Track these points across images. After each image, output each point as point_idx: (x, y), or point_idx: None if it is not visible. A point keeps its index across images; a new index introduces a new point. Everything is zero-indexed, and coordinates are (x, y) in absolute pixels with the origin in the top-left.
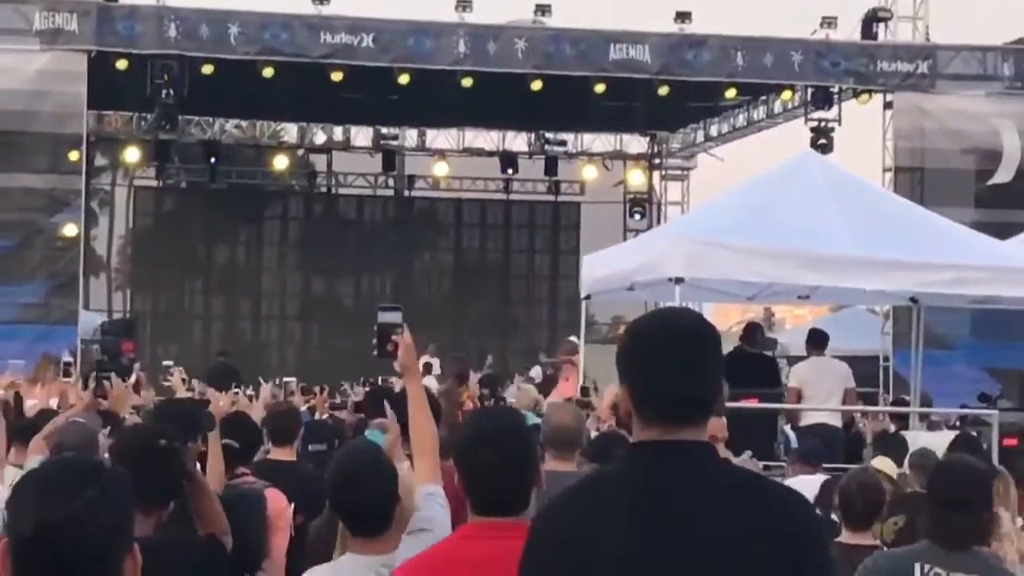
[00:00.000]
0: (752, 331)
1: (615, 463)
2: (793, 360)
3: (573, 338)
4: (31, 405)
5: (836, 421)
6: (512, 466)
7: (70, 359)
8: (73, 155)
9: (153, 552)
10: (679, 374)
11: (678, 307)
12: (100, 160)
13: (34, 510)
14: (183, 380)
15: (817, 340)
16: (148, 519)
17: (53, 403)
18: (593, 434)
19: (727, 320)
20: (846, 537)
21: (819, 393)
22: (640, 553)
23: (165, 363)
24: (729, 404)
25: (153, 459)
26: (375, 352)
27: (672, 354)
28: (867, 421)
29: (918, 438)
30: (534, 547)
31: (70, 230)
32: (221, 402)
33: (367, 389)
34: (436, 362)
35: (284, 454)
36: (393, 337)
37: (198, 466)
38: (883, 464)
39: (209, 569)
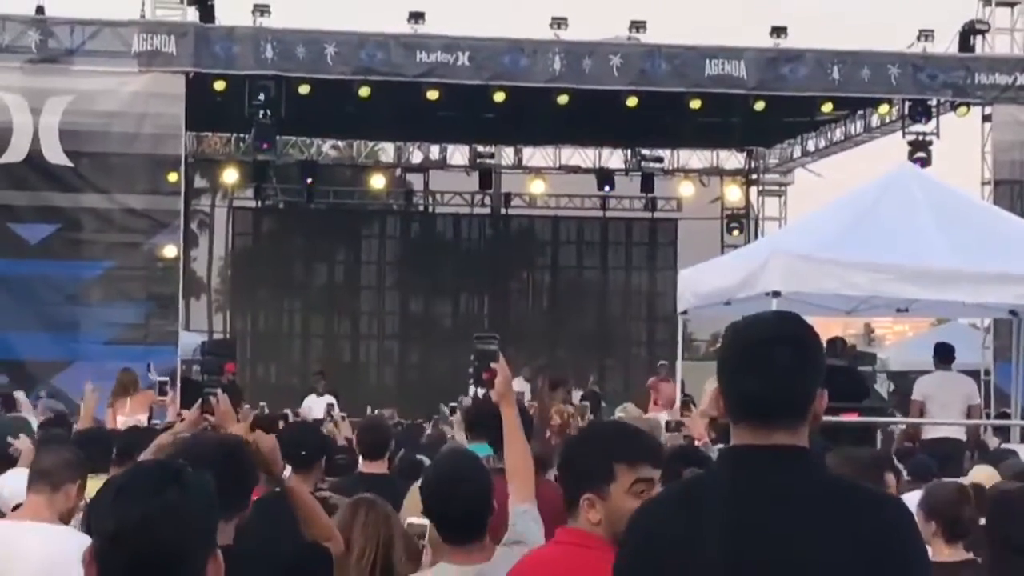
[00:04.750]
0: (831, 344)
1: (711, 467)
2: (893, 375)
3: (664, 362)
4: (122, 421)
5: (960, 435)
6: None
7: (165, 378)
8: (172, 176)
9: (245, 557)
10: (758, 372)
11: (778, 311)
12: (199, 181)
13: (111, 512)
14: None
15: (943, 354)
16: (228, 523)
17: (143, 419)
18: None
19: (826, 334)
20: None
21: (941, 407)
22: (730, 557)
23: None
24: (827, 418)
25: (227, 459)
26: (471, 380)
27: (754, 353)
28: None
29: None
30: (629, 543)
31: (170, 251)
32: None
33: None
34: (528, 387)
35: (376, 467)
36: (492, 365)
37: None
38: (981, 473)
39: (309, 572)
